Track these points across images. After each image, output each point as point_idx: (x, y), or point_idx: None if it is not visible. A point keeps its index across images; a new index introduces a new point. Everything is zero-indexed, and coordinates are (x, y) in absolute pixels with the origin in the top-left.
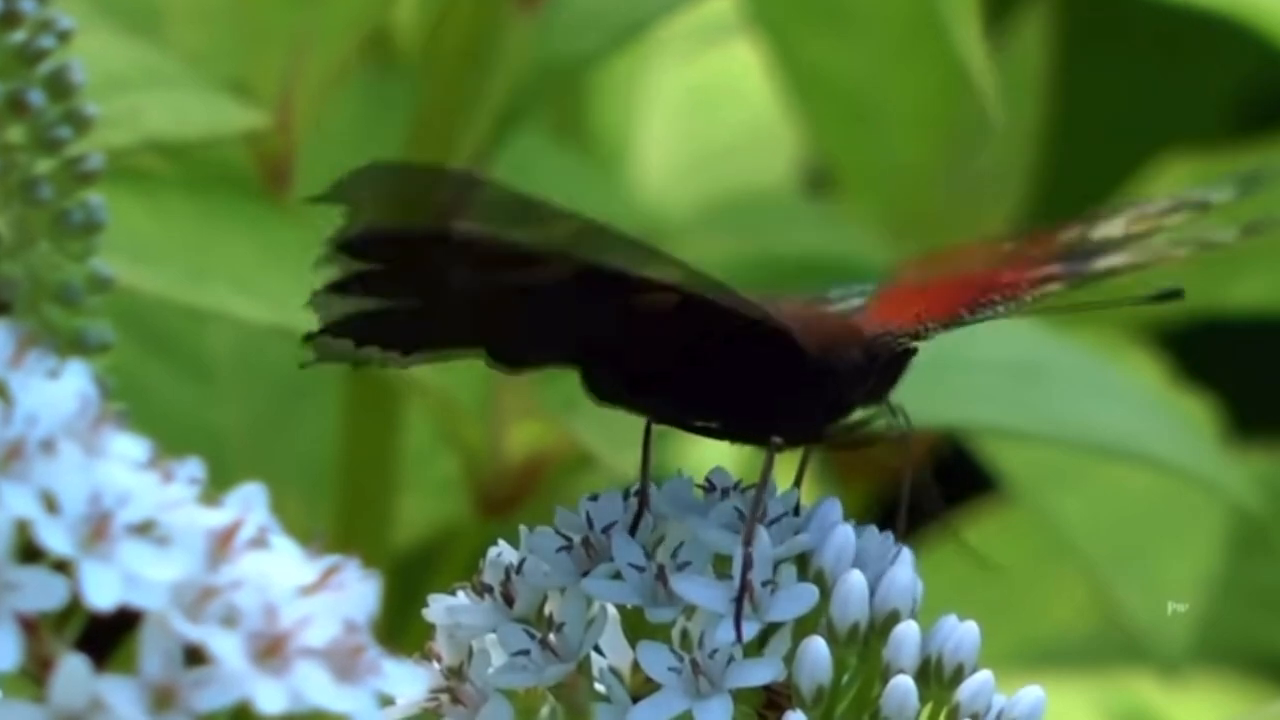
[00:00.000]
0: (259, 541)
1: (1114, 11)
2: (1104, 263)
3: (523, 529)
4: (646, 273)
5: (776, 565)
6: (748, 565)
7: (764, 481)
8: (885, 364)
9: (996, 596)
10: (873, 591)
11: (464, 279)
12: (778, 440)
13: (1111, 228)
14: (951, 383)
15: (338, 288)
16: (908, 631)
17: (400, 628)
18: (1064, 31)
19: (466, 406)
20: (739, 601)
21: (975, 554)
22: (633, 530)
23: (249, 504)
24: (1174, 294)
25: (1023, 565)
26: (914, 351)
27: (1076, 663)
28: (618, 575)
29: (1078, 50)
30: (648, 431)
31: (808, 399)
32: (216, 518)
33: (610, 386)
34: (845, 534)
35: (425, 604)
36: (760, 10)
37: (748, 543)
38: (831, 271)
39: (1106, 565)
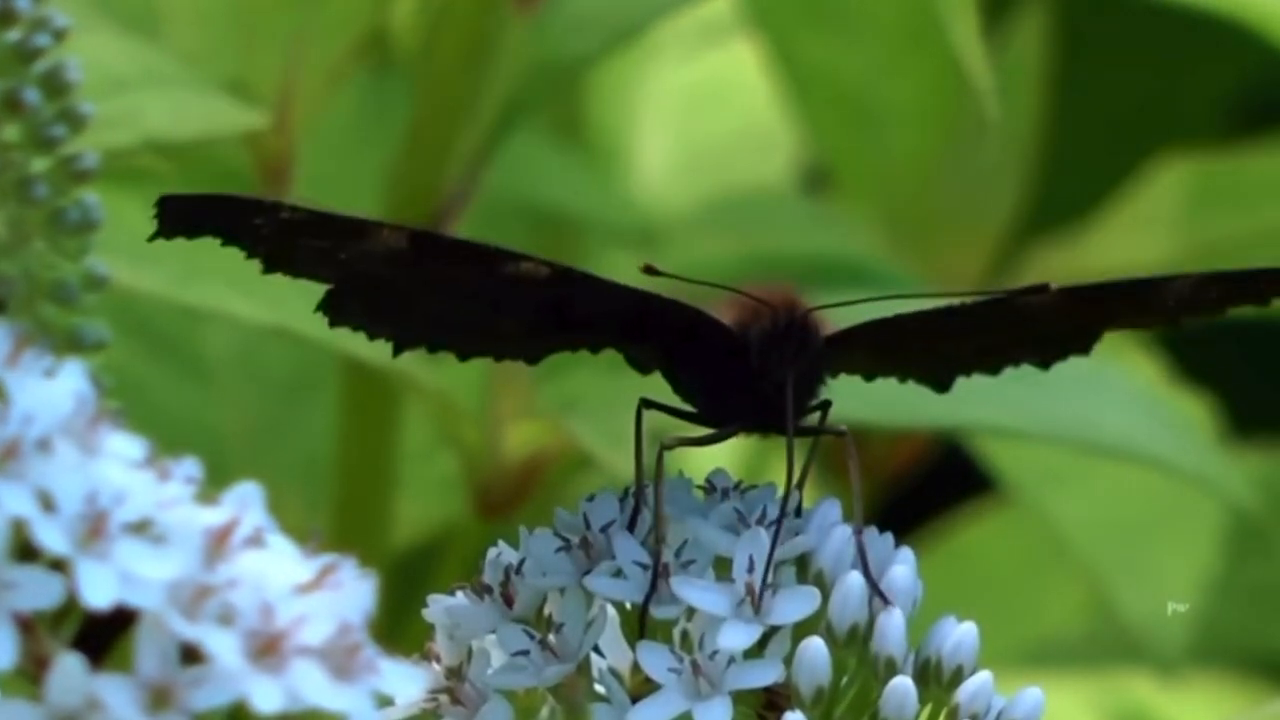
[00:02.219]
0: (255, 540)
1: (1113, 11)
2: None
3: (522, 530)
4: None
5: (776, 567)
6: (768, 566)
7: (800, 482)
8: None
9: (994, 596)
10: None
11: (314, 253)
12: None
13: None
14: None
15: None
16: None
17: (398, 628)
18: (1063, 31)
19: (465, 406)
20: (759, 585)
21: None
22: (630, 528)
23: (245, 503)
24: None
25: (1021, 565)
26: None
27: (1074, 662)
28: (619, 574)
29: (1077, 50)
30: (638, 422)
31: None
32: (213, 516)
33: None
34: (844, 535)
35: (424, 604)
36: (759, 10)
37: (776, 543)
38: (830, 271)
39: (1104, 565)
